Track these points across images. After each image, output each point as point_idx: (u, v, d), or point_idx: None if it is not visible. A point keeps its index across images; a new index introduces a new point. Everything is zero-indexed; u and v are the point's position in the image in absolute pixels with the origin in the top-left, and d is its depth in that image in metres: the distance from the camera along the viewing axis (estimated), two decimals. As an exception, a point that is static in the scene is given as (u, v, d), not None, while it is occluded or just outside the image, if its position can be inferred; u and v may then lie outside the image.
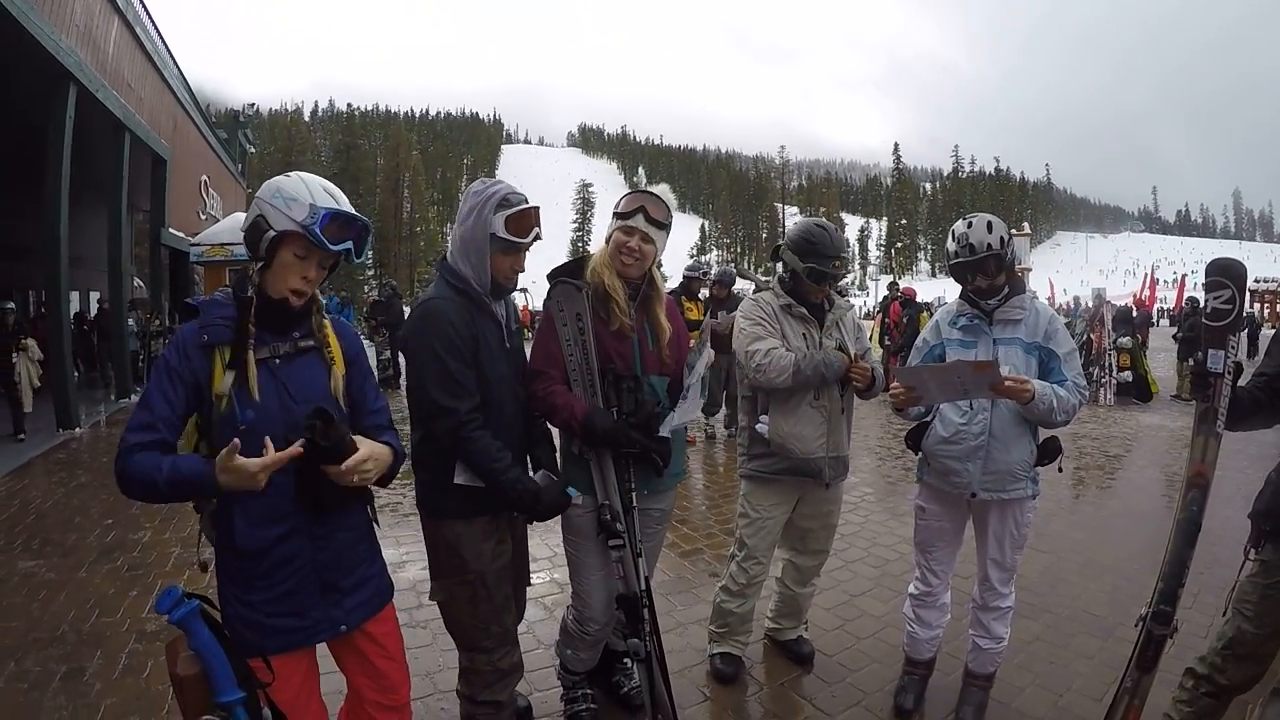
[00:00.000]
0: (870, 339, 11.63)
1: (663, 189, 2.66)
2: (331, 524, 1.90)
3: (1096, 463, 8.20)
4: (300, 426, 1.70)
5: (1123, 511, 6.25)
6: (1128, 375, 12.73)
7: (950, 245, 2.86)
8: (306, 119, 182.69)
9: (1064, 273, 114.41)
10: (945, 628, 3.22)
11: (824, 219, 3.26)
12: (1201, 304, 2.68)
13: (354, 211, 1.86)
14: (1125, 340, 12.92)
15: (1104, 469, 7.94)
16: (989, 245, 2.74)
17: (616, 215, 2.61)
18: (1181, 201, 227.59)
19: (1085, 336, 13.19)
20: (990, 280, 2.81)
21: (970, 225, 2.79)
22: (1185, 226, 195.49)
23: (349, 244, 1.84)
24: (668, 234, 2.62)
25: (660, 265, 2.74)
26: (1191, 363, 2.56)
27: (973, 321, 2.91)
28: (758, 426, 3.16)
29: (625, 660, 3.14)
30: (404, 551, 4.89)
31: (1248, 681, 2.60)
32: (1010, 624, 3.07)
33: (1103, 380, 12.81)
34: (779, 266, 3.26)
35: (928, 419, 2.97)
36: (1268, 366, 2.61)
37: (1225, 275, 2.58)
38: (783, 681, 3.38)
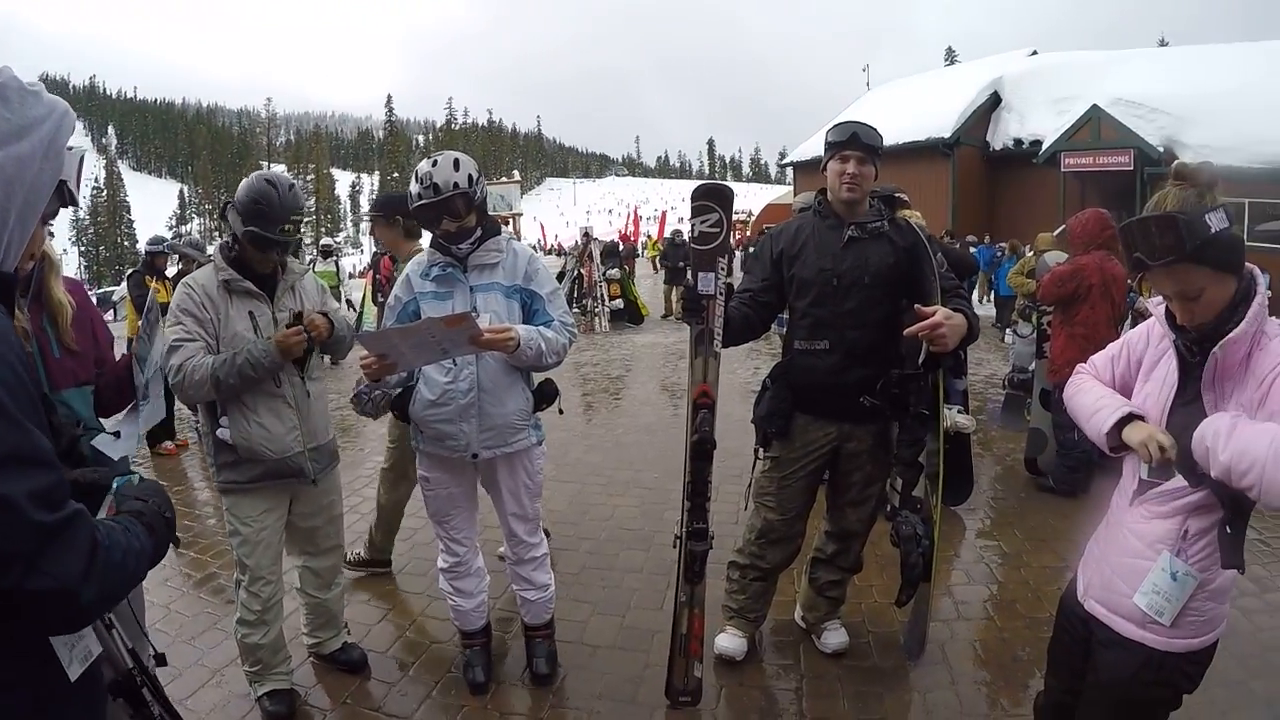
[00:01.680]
0: (363, 299, 11.57)
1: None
2: None
3: (601, 386, 9.25)
4: None
5: (633, 427, 7.15)
6: (619, 303, 14.64)
7: (413, 187, 2.73)
8: None
9: (554, 216, 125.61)
10: (489, 590, 3.25)
11: (281, 174, 2.89)
12: (689, 230, 2.92)
13: None
14: (614, 272, 14.85)
15: (609, 391, 9.01)
16: (455, 184, 2.68)
17: None
18: (662, 148, 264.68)
19: (577, 271, 14.85)
20: (459, 222, 2.74)
21: (435, 164, 2.71)
22: (665, 170, 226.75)
23: None
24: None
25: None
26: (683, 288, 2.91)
27: (446, 270, 2.82)
28: (219, 433, 2.78)
29: None
30: None
31: (787, 560, 3.27)
32: (550, 567, 3.21)
33: (597, 310, 14.54)
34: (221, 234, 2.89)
35: (412, 383, 2.86)
36: (749, 283, 3.08)
37: (712, 199, 2.80)
38: (346, 699, 3.16)
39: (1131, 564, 1.79)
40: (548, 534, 3.53)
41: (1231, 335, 1.60)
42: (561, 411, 3.16)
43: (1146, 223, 1.61)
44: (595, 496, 5.26)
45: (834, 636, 3.32)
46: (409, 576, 4.16)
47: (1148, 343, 1.87)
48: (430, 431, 2.83)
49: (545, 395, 2.98)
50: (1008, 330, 9.02)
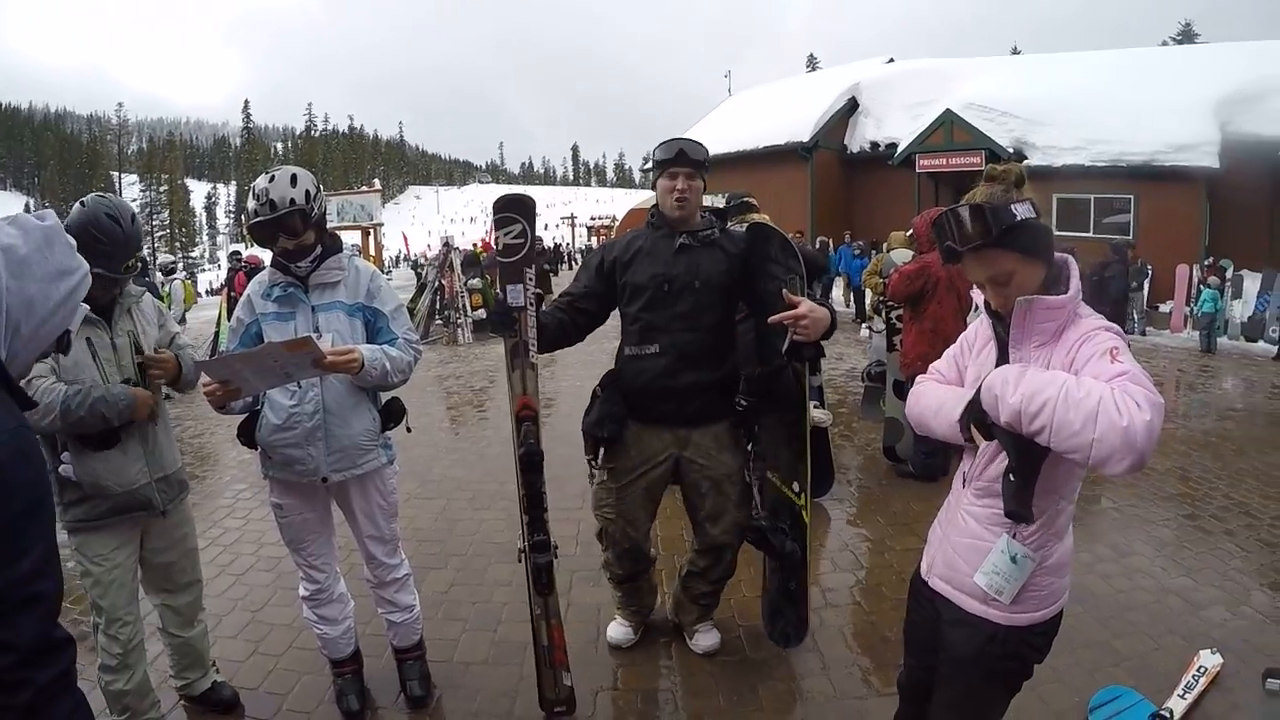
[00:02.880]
0: (219, 317, 11.05)
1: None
2: None
3: (465, 399, 9.22)
4: None
5: (498, 439, 7.15)
6: (481, 313, 14.49)
7: (250, 204, 2.69)
8: None
9: (416, 225, 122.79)
10: (354, 615, 3.23)
11: (121, 204, 2.74)
12: (494, 242, 3.01)
13: None
14: (475, 281, 14.71)
15: (473, 403, 8.99)
16: (292, 200, 2.66)
17: None
18: (526, 155, 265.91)
19: (437, 282, 14.66)
20: (297, 240, 2.73)
21: (272, 180, 2.69)
22: (530, 177, 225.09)
23: None
24: None
25: None
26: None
27: (287, 290, 2.81)
28: (61, 470, 2.66)
29: None
30: None
31: (639, 570, 3.42)
32: (413, 587, 3.22)
33: (459, 321, 14.35)
34: None
35: (257, 408, 2.83)
36: (572, 288, 3.22)
37: (514, 210, 2.90)
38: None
39: (971, 544, 1.94)
40: None
41: (1048, 299, 1.77)
42: (410, 430, 3.20)
43: (957, 213, 1.79)
44: (461, 511, 5.27)
45: (706, 638, 3.48)
46: (275, 608, 4.06)
47: (977, 334, 2.06)
48: (278, 457, 2.81)
49: (393, 414, 2.99)
50: (864, 325, 9.61)
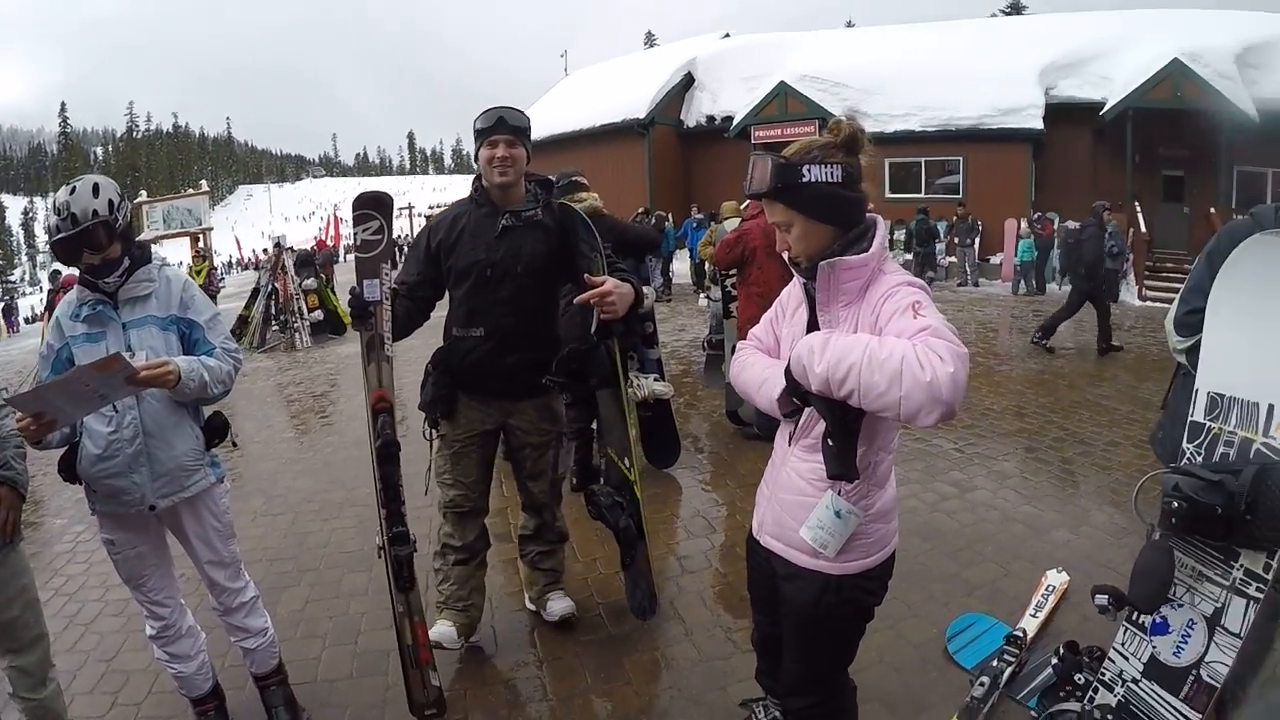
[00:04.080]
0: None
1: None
2: None
3: (307, 406, 8.86)
4: None
5: (342, 444, 6.94)
6: (319, 314, 13.95)
7: (51, 219, 2.56)
8: None
9: (246, 225, 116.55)
10: (207, 649, 3.07)
11: None
12: (352, 239, 3.02)
13: None
14: (310, 282, 14.09)
15: (315, 410, 8.65)
16: (95, 212, 2.54)
17: None
18: (360, 145, 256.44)
19: (271, 286, 14.02)
20: (102, 254, 2.60)
21: (73, 191, 2.54)
22: (365, 168, 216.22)
23: None
24: None
25: None
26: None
27: (96, 309, 2.67)
28: None
29: None
30: None
31: (479, 536, 3.42)
32: (264, 610, 3.10)
33: (296, 325, 13.78)
34: None
35: (75, 439, 2.67)
36: (406, 275, 3.24)
37: (372, 207, 2.97)
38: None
39: (798, 501, 2.00)
40: None
41: (848, 259, 1.85)
42: (236, 445, 3.14)
43: (757, 161, 1.88)
44: (310, 524, 5.08)
45: (558, 604, 3.54)
46: (129, 654, 3.77)
47: (790, 296, 2.14)
48: (103, 489, 2.66)
49: (216, 429, 2.88)
50: (702, 295, 9.91)
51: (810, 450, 1.96)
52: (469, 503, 3.33)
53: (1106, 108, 18.95)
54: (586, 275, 2.87)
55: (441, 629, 3.30)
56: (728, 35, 30.93)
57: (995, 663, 3.09)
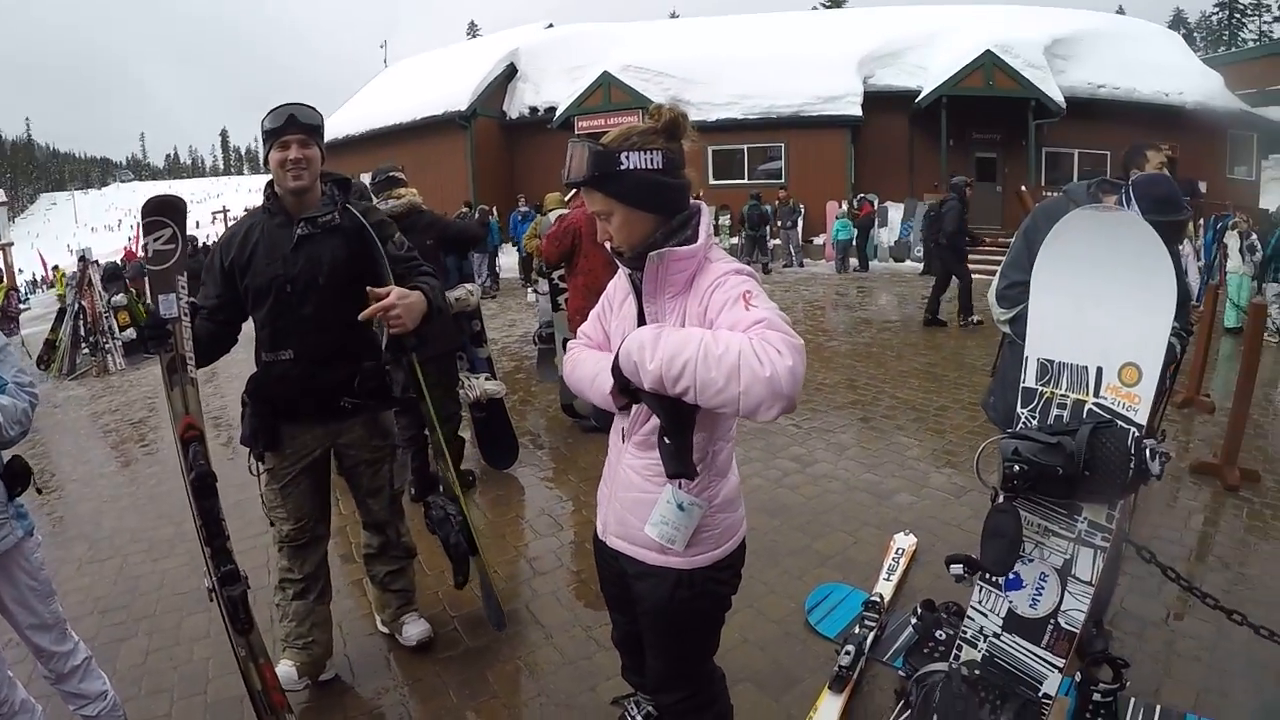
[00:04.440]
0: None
1: None
2: None
3: (127, 435, 8.14)
4: None
5: (167, 474, 6.38)
6: (131, 332, 12.84)
7: None
8: None
9: (50, 238, 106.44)
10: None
11: None
12: (143, 250, 2.71)
13: None
14: (120, 298, 12.98)
15: (135, 439, 7.95)
16: None
17: None
18: (171, 145, 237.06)
19: (78, 305, 12.84)
20: None
21: None
22: (176, 170, 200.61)
23: None
24: None
25: None
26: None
27: None
28: None
29: None
30: None
31: (319, 566, 3.19)
32: (100, 670, 2.85)
33: (107, 346, 12.68)
34: None
35: None
36: (203, 299, 2.92)
37: (165, 214, 2.66)
38: None
39: (637, 498, 1.94)
40: None
41: (678, 250, 1.80)
42: (40, 491, 2.79)
43: (574, 148, 1.81)
44: (140, 566, 4.65)
45: (414, 628, 3.38)
46: None
47: (616, 288, 2.07)
48: None
49: (17, 475, 2.58)
50: (529, 289, 9.88)
51: (644, 447, 1.92)
52: (305, 534, 3.10)
53: (922, 95, 20.52)
54: (369, 289, 2.66)
55: (282, 669, 3.05)
56: (551, 25, 30.77)
57: (857, 629, 3.18)
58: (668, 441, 1.74)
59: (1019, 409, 2.44)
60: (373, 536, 3.32)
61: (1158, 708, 2.93)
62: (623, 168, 1.75)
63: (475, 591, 3.52)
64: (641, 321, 1.87)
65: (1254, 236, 11.06)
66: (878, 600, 3.33)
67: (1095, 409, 2.27)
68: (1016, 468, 2.21)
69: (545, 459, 5.80)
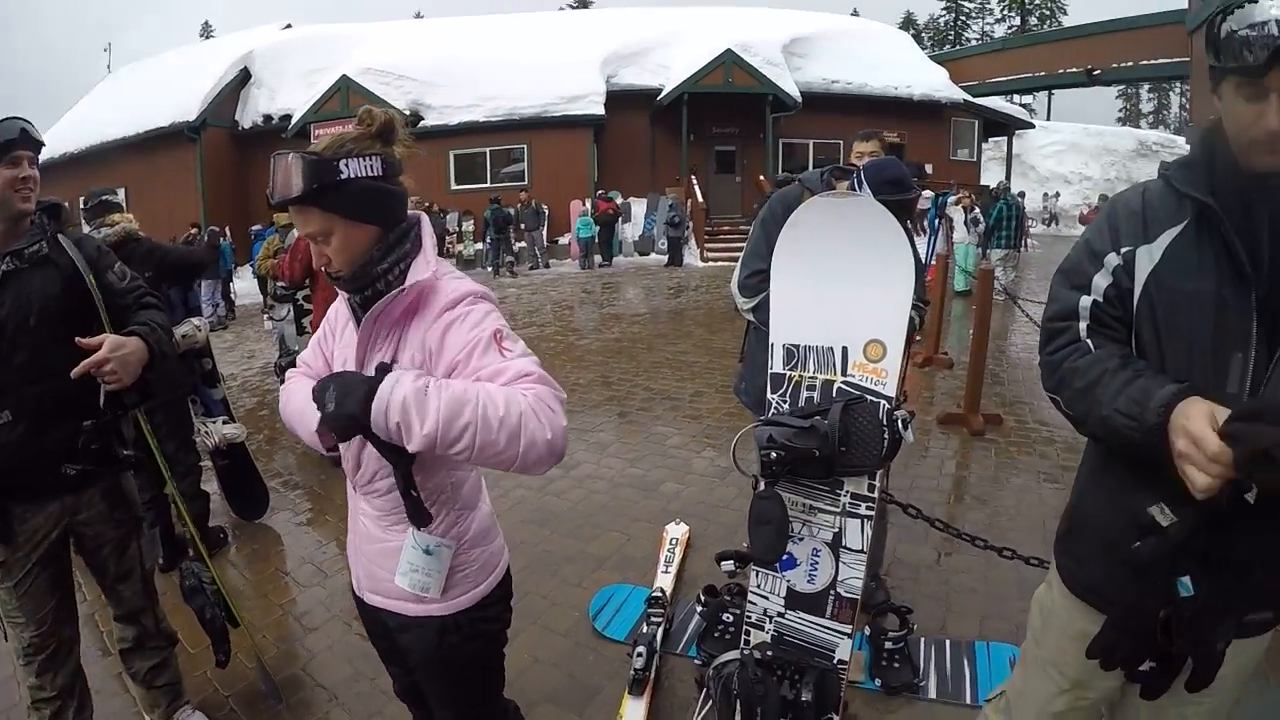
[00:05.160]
0: None
1: None
2: None
3: None
4: None
5: None
6: None
7: None
8: None
9: None
10: None
11: None
12: None
13: None
14: None
15: None
16: None
17: None
18: None
19: None
20: None
21: None
22: None
23: None
24: None
25: None
26: None
27: None
28: None
29: None
30: None
31: (73, 675, 2.62)
32: None
33: None
34: None
35: None
36: None
37: None
38: None
39: (380, 550, 1.77)
40: None
41: (404, 288, 1.61)
42: None
43: (275, 162, 1.57)
44: None
45: None
46: None
47: (338, 313, 1.84)
48: None
49: None
50: (265, 316, 9.07)
51: (373, 493, 1.73)
52: (52, 640, 2.54)
53: (664, 93, 21.14)
54: (78, 339, 2.24)
55: None
56: (289, 26, 28.59)
57: (645, 628, 3.12)
58: (414, 495, 1.59)
59: (769, 395, 2.45)
60: (126, 628, 2.79)
61: (947, 642, 3.13)
62: (343, 177, 1.54)
63: (247, 662, 3.14)
64: (362, 350, 1.67)
65: (976, 210, 12.56)
66: (660, 594, 3.30)
67: (845, 387, 2.33)
68: (773, 454, 2.21)
69: (300, 501, 5.16)
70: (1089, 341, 1.48)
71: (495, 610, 1.86)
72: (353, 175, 1.55)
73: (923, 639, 3.10)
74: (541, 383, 1.50)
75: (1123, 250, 1.46)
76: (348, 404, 1.47)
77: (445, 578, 1.72)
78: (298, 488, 5.37)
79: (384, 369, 1.52)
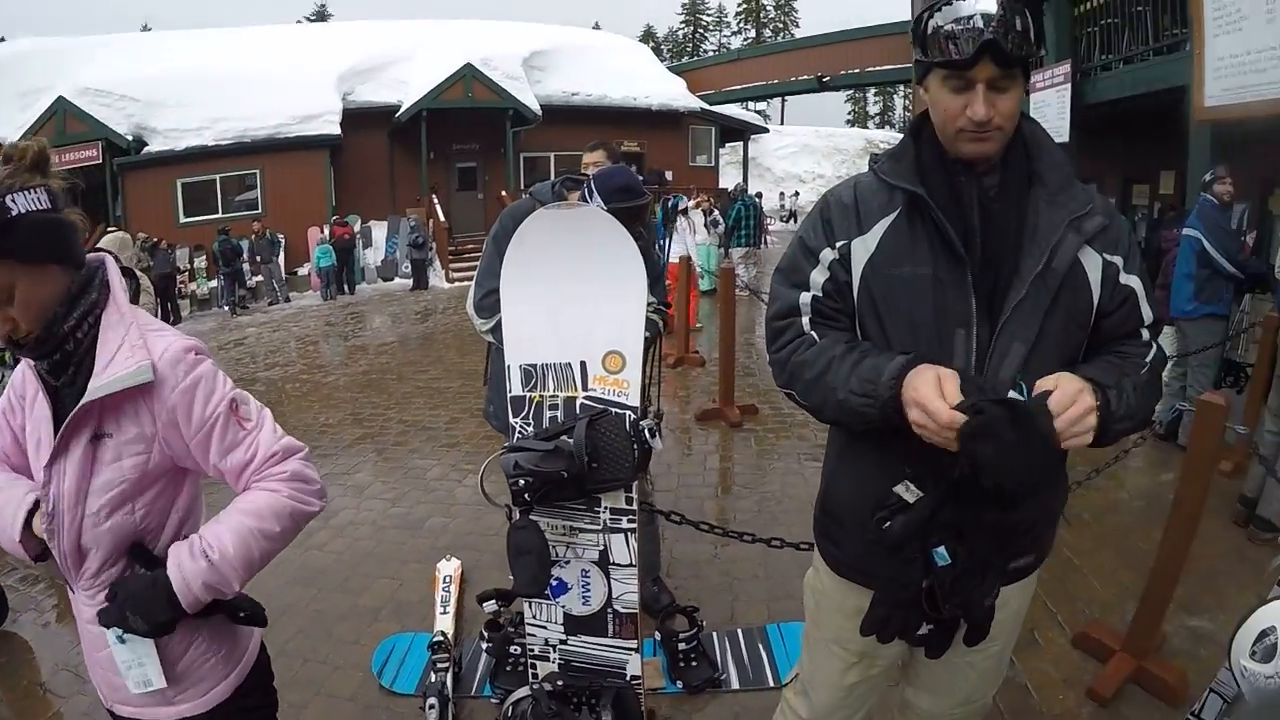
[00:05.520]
0: None
1: None
2: None
3: None
4: None
5: None
6: None
7: None
8: None
9: None
10: None
11: None
12: None
13: None
14: None
15: None
16: None
17: None
18: None
19: None
20: None
21: None
22: None
23: None
24: None
25: None
26: None
27: None
28: None
29: None
30: None
31: None
32: None
33: None
34: None
35: None
36: None
37: None
38: None
39: (108, 656, 1.52)
40: None
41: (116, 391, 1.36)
42: None
43: None
44: None
45: None
46: None
47: (24, 380, 1.51)
48: None
49: None
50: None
51: (94, 590, 1.47)
52: None
53: (402, 110, 20.29)
54: None
55: None
56: (3, 40, 25.14)
57: (433, 676, 2.96)
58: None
59: (512, 419, 2.35)
60: None
61: (739, 631, 3.18)
62: (14, 214, 1.26)
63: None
64: (57, 425, 1.39)
65: (716, 213, 13.10)
66: (442, 638, 3.11)
67: (588, 402, 2.26)
68: (521, 482, 2.12)
69: (43, 598, 4.12)
70: (813, 334, 1.49)
71: (256, 697, 1.69)
72: (23, 210, 1.28)
73: (714, 633, 3.13)
74: (286, 456, 1.47)
75: (838, 244, 1.48)
76: (158, 614, 1.40)
77: (159, 661, 1.49)
78: (39, 581, 4.32)
79: (99, 439, 1.40)
